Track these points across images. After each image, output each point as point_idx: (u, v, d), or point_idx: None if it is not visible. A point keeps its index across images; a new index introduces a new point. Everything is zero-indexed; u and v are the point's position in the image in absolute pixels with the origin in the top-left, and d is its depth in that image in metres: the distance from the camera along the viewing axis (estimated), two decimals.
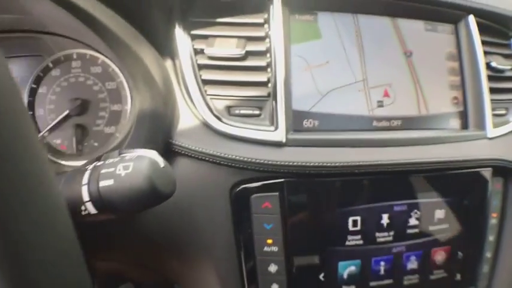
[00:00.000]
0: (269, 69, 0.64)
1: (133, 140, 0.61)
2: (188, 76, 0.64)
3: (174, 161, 0.64)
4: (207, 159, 0.62)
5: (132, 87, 0.66)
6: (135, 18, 0.64)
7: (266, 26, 0.66)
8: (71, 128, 0.68)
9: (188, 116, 0.64)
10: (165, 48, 0.66)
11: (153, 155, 0.44)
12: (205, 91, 0.64)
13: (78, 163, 0.67)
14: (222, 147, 0.62)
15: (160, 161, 0.44)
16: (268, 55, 0.65)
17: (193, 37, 0.66)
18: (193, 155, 0.62)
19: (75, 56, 0.70)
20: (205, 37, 0.66)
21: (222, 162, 0.61)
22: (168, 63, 0.67)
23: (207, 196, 0.64)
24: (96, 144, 0.70)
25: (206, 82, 0.64)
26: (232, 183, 0.64)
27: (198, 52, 0.65)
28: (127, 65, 0.61)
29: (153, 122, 0.60)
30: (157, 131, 0.61)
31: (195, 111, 0.63)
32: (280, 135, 0.62)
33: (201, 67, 0.65)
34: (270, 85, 0.64)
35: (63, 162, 0.70)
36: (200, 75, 0.64)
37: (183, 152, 0.62)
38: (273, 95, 0.63)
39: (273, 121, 0.63)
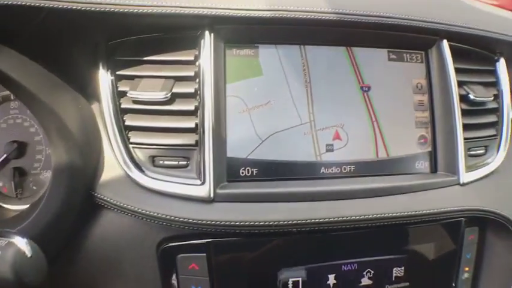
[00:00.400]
0: (198, 114, 0.58)
1: (51, 195, 0.56)
2: (109, 122, 0.58)
3: (98, 214, 0.60)
4: (130, 214, 0.56)
5: (47, 140, 0.61)
6: (56, 57, 0.59)
7: (197, 63, 0.59)
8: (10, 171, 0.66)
9: (111, 166, 0.59)
10: (89, 91, 0.61)
11: (22, 244, 0.42)
12: (129, 139, 0.58)
13: (20, 207, 0.66)
14: (145, 202, 0.57)
15: (29, 251, 0.41)
16: (197, 97, 0.58)
17: (118, 78, 0.60)
18: (116, 209, 0.57)
19: (12, 97, 0.68)
20: (131, 77, 0.59)
21: (145, 219, 0.56)
22: (95, 106, 0.61)
23: (134, 252, 0.59)
24: (35, 187, 0.68)
25: (129, 128, 0.59)
26: (159, 240, 0.59)
27: (122, 95, 0.59)
28: (38, 118, 0.56)
29: (70, 176, 0.56)
30: (77, 185, 0.57)
31: (117, 162, 0.58)
32: (207, 190, 0.56)
33: (125, 111, 0.59)
34: (198, 132, 0.57)
35: (6, 205, 0.68)
36: (123, 121, 0.58)
37: (105, 205, 0.57)
38: (201, 144, 0.57)
39: (201, 174, 0.56)
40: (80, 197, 0.57)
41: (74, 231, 0.58)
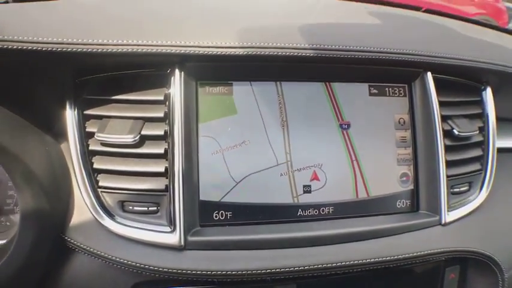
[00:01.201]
0: (168, 157, 0.55)
1: (20, 239, 0.54)
2: (77, 165, 0.56)
3: (69, 256, 0.58)
4: (101, 259, 0.55)
5: (13, 185, 0.58)
6: (19, 96, 0.56)
7: (167, 103, 0.56)
8: None
9: (81, 210, 0.57)
10: (56, 130, 0.58)
11: None
12: (97, 182, 0.56)
13: None
14: (115, 248, 0.55)
15: None
16: (167, 140, 0.55)
17: (86, 117, 0.57)
18: (86, 253, 0.55)
19: None
20: (99, 117, 0.57)
21: (115, 264, 0.54)
22: (63, 145, 0.59)
23: None
24: (8, 223, 0.65)
25: (98, 171, 0.56)
26: (132, 284, 0.57)
27: (90, 136, 0.56)
28: (3, 165, 0.53)
29: (38, 220, 0.54)
30: (46, 229, 0.55)
31: (86, 206, 0.56)
32: (177, 237, 0.54)
33: (93, 153, 0.56)
34: (168, 176, 0.55)
35: None
36: (92, 163, 0.56)
37: (76, 249, 0.55)
38: (171, 189, 0.54)
39: (171, 220, 0.54)
40: (50, 240, 0.55)
41: (45, 274, 0.57)
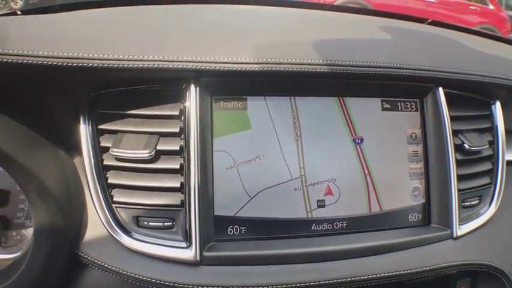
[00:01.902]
0: (183, 173, 0.55)
1: (34, 254, 0.54)
2: (91, 180, 0.55)
3: (83, 272, 0.58)
4: (115, 274, 0.54)
5: (26, 199, 0.58)
6: (33, 111, 0.56)
7: (183, 118, 0.56)
8: None
9: (95, 225, 0.57)
10: (69, 144, 0.58)
11: None
12: (112, 197, 0.56)
13: (4, 256, 0.62)
14: (130, 264, 0.55)
15: None
16: (183, 155, 0.55)
17: (101, 132, 0.57)
18: (101, 269, 0.55)
19: None
20: (113, 132, 0.57)
21: (130, 280, 0.54)
22: (77, 160, 0.59)
23: None
24: (18, 237, 0.65)
25: (112, 186, 0.56)
26: None
27: (104, 150, 0.56)
28: (17, 180, 0.53)
29: (52, 236, 0.54)
30: (60, 244, 0.55)
31: (100, 221, 0.56)
32: (193, 253, 0.54)
33: (108, 168, 0.56)
34: (184, 192, 0.55)
35: None
36: (106, 178, 0.56)
37: (90, 264, 0.55)
38: (186, 205, 0.54)
39: (186, 236, 0.54)
40: (64, 256, 0.55)
41: None
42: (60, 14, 0.62)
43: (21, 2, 5.50)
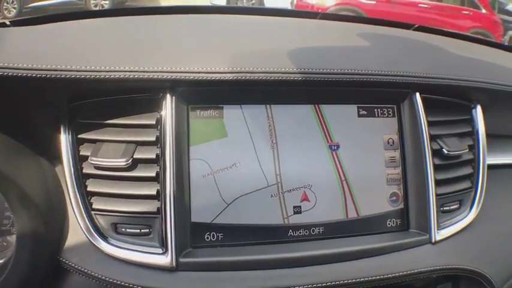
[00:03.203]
0: (159, 180, 0.56)
1: (17, 260, 0.56)
2: (71, 188, 0.57)
3: (65, 277, 0.59)
4: (96, 280, 0.56)
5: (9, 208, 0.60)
6: (14, 120, 0.58)
7: (159, 127, 0.57)
8: None
9: (75, 231, 0.58)
10: (50, 153, 0.60)
11: None
12: (91, 205, 0.57)
13: None
14: (108, 269, 0.56)
15: None
16: (159, 163, 0.57)
17: (80, 141, 0.59)
18: (81, 274, 0.56)
19: None
20: (92, 141, 0.58)
21: (109, 285, 0.55)
22: (58, 168, 0.60)
23: None
24: (4, 243, 0.67)
25: (92, 194, 0.57)
26: None
27: (83, 159, 0.58)
28: None
29: (34, 242, 0.55)
30: (41, 250, 0.56)
31: (80, 228, 0.57)
32: (169, 259, 0.55)
33: (87, 177, 0.58)
34: (160, 199, 0.56)
35: None
36: (86, 186, 0.57)
37: (71, 269, 0.57)
38: (162, 212, 0.55)
39: (163, 242, 0.55)
40: (45, 261, 0.57)
41: None
42: (46, 25, 0.64)
43: (14, 11, 5.67)
